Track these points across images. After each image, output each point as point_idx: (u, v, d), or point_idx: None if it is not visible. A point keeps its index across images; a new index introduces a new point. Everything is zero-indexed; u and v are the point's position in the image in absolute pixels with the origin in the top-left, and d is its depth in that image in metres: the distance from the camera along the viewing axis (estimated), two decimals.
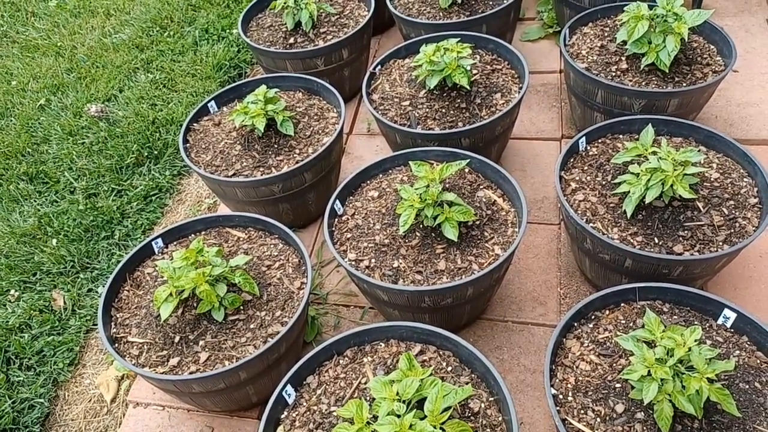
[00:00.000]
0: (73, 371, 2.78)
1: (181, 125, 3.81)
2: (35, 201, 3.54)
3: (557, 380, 1.90)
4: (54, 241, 3.26)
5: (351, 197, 2.61)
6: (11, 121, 4.14)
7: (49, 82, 4.43)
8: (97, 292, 3.04)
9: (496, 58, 3.14)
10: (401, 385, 1.75)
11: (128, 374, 2.69)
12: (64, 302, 2.98)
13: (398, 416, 1.68)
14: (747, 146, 2.85)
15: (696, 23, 2.71)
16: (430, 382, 1.76)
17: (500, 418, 1.83)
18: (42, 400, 2.64)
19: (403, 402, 1.72)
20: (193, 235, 2.62)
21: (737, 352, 1.88)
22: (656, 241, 2.21)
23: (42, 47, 4.88)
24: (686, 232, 2.21)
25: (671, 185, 2.16)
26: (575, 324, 2.04)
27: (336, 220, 2.52)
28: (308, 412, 1.93)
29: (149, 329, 2.26)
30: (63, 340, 2.83)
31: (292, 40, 3.58)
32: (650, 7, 2.83)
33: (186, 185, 3.62)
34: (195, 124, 3.11)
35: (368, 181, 2.66)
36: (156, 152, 3.72)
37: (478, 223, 2.37)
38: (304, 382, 2.02)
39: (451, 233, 2.22)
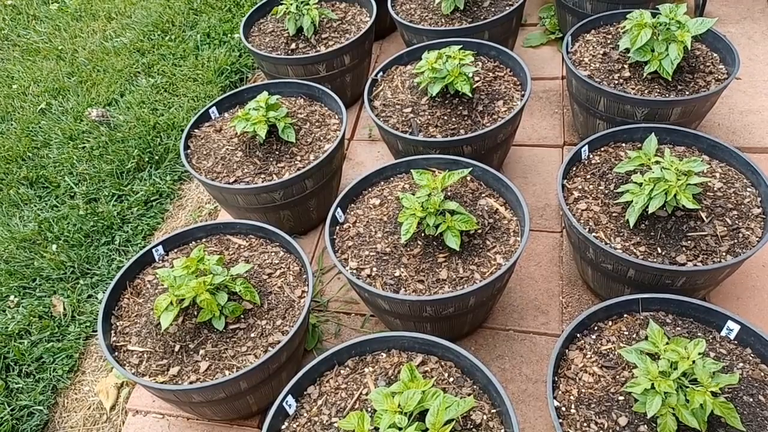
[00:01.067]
0: (73, 378, 2.77)
1: (182, 130, 3.81)
2: (35, 206, 3.53)
3: (560, 392, 1.89)
4: (54, 246, 3.25)
5: (352, 205, 2.60)
6: (12, 125, 4.13)
7: (50, 86, 4.42)
8: (97, 298, 3.03)
9: (498, 65, 3.13)
10: (403, 397, 1.73)
11: (128, 382, 2.68)
12: (64, 308, 2.97)
13: (400, 429, 1.67)
14: (750, 154, 2.85)
15: (699, 31, 2.70)
16: (432, 394, 1.75)
17: (503, 431, 1.82)
18: (41, 408, 2.63)
19: (405, 414, 1.71)
20: (193, 243, 2.61)
21: (741, 364, 1.87)
22: (659, 251, 2.20)
23: (43, 51, 4.87)
24: (689, 242, 2.20)
25: (674, 195, 2.14)
26: (578, 335, 2.02)
27: (337, 228, 2.51)
28: (309, 423, 1.92)
29: (149, 338, 2.25)
30: (62, 347, 2.82)
31: (293, 46, 3.57)
32: (653, 15, 2.83)
33: (187, 190, 3.61)
34: (196, 130, 3.10)
35: (369, 189, 2.65)
36: (157, 157, 3.71)
37: (480, 231, 2.36)
38: (305, 393, 2.01)
39: (453, 242, 2.21)
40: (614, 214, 2.34)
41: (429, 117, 2.87)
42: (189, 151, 3.00)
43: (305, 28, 3.50)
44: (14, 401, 2.64)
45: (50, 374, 2.74)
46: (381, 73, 3.19)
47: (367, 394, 1.95)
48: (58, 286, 3.08)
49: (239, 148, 2.92)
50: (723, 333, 1.96)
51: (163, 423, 2.49)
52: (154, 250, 2.53)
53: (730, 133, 3.14)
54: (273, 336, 2.20)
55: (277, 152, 2.88)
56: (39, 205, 3.54)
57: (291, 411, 1.95)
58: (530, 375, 2.40)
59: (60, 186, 3.63)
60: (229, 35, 4.66)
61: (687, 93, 2.77)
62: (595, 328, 2.04)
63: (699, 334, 1.96)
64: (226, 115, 3.18)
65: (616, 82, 2.88)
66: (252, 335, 2.21)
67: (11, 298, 3.04)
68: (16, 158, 3.84)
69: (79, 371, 2.80)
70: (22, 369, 2.76)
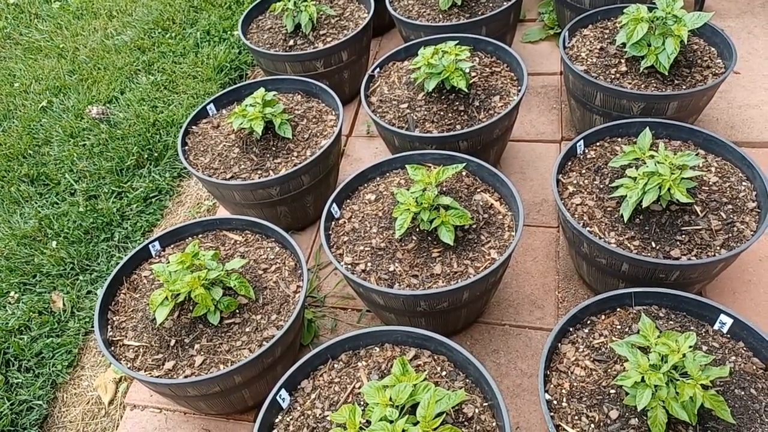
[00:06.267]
0: (72, 373, 2.79)
1: (181, 127, 3.82)
2: (36, 203, 3.56)
3: (552, 386, 1.89)
4: (54, 243, 3.27)
5: (348, 200, 2.61)
6: (13, 122, 4.16)
7: (51, 84, 4.44)
8: (96, 294, 3.05)
9: (495, 61, 3.13)
10: (394, 390, 1.74)
11: (126, 376, 2.69)
12: (64, 304, 2.99)
13: (391, 422, 1.68)
14: (748, 149, 2.84)
15: (696, 26, 2.69)
16: (423, 387, 1.75)
17: (494, 424, 1.82)
18: (40, 402, 2.65)
19: (396, 407, 1.72)
20: (190, 238, 2.62)
21: (733, 358, 1.87)
22: (653, 245, 2.20)
23: (44, 49, 4.90)
24: (684, 236, 2.20)
25: (668, 189, 2.14)
26: (570, 329, 2.03)
27: (333, 223, 2.52)
28: (302, 417, 1.93)
29: (145, 332, 2.26)
30: (62, 342, 2.84)
31: (291, 43, 3.58)
32: (650, 9, 2.82)
33: (186, 187, 3.62)
34: (194, 127, 3.11)
35: (365, 185, 2.66)
36: (156, 154, 3.73)
37: (474, 226, 2.37)
38: (299, 387, 2.02)
39: (447, 237, 2.22)
40: (609, 209, 2.34)
41: (425, 113, 2.88)
42: (187, 147, 3.01)
43: (303, 24, 3.50)
44: (14, 396, 2.66)
45: (49, 369, 2.76)
46: (378, 69, 3.20)
47: (360, 387, 1.96)
48: (57, 282, 3.10)
49: (236, 145, 2.93)
50: (716, 327, 1.95)
51: (161, 417, 2.51)
52: (150, 246, 2.54)
53: (729, 127, 3.13)
54: (268, 330, 2.21)
55: (273, 148, 2.89)
56: (39, 202, 3.57)
57: (284, 405, 1.96)
58: (525, 369, 2.41)
59: (60, 183, 3.65)
60: (229, 32, 4.67)
61: (684, 87, 2.76)
62: (588, 322, 2.04)
63: (692, 327, 1.96)
64: (223, 111, 3.19)
65: (613, 76, 2.87)
66: (247, 330, 2.22)
67: (11, 294, 3.06)
68: (18, 156, 3.86)
69: (78, 366, 2.82)
70: (21, 364, 2.78)
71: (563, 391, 1.87)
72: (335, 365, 2.06)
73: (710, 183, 2.35)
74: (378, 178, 2.67)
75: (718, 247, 2.16)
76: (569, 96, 3.12)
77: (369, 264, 2.32)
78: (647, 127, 2.40)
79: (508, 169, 3.18)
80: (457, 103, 2.88)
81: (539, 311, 2.57)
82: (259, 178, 2.78)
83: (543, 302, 2.60)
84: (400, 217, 2.28)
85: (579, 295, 2.60)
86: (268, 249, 2.52)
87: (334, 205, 2.52)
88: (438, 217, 2.25)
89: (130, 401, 2.58)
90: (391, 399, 1.73)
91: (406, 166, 2.47)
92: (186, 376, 2.11)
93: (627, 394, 1.75)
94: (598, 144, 2.61)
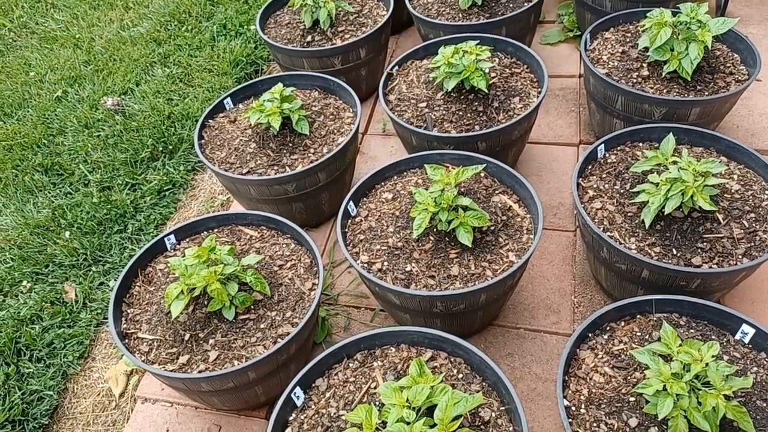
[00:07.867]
0: (83, 364, 2.79)
1: (196, 120, 3.82)
2: (49, 193, 3.56)
3: (570, 392, 1.87)
4: (67, 233, 3.26)
5: (365, 198, 2.59)
6: (28, 111, 4.16)
7: (67, 74, 4.45)
8: (108, 285, 3.05)
9: (515, 62, 3.10)
10: (411, 392, 1.73)
11: (137, 369, 2.69)
12: (76, 295, 2.99)
13: (408, 423, 1.66)
14: None
15: (720, 31, 2.66)
16: (441, 390, 1.74)
17: (511, 428, 1.81)
18: (51, 393, 2.65)
19: (413, 409, 1.70)
20: (205, 233, 2.61)
21: (755, 368, 1.84)
22: (674, 252, 2.18)
23: (60, 39, 4.90)
24: (705, 244, 2.17)
25: (691, 196, 2.12)
26: (590, 335, 2.00)
27: (349, 221, 2.50)
28: (317, 415, 1.91)
29: (160, 326, 2.25)
30: (73, 333, 2.84)
31: (309, 39, 3.56)
32: (674, 14, 2.79)
33: (200, 181, 3.61)
34: (210, 121, 3.10)
35: (382, 183, 2.64)
36: (171, 147, 3.72)
37: (492, 228, 2.35)
38: (313, 385, 2.01)
39: (465, 238, 2.20)
40: (629, 214, 2.32)
41: (444, 112, 2.86)
42: (203, 141, 3.00)
43: (321, 20, 3.49)
44: (25, 386, 2.66)
45: (61, 360, 2.76)
46: (396, 68, 3.18)
47: (375, 387, 1.94)
48: (70, 273, 3.10)
49: (253, 140, 2.92)
50: (737, 336, 1.93)
51: (172, 411, 2.50)
52: (166, 239, 2.53)
53: (749, 135, 3.10)
54: (282, 327, 2.20)
55: (290, 144, 2.88)
56: (53, 192, 3.57)
57: (299, 403, 1.95)
58: (540, 374, 2.39)
59: (74, 173, 3.65)
60: (246, 27, 4.66)
61: (706, 93, 2.73)
62: (608, 328, 2.02)
63: (713, 336, 1.94)
64: (240, 106, 3.18)
65: (635, 80, 2.84)
66: (261, 326, 2.21)
67: (24, 283, 3.06)
68: (32, 145, 3.86)
69: (89, 358, 2.81)
70: (33, 354, 2.78)
71: (581, 397, 1.85)
72: (350, 364, 2.04)
73: (732, 191, 2.32)
74: (395, 177, 2.65)
75: (740, 256, 2.13)
76: (589, 99, 3.10)
77: (385, 263, 2.31)
78: (670, 133, 2.37)
79: (524, 171, 3.16)
80: (476, 104, 2.85)
81: (555, 315, 2.55)
82: (276, 173, 2.77)
83: (559, 306, 2.58)
84: (419, 217, 2.26)
85: (595, 300, 2.58)
86: (284, 245, 2.50)
87: (351, 203, 2.50)
88: (456, 217, 2.23)
89: (141, 394, 2.57)
90: (408, 400, 1.71)
91: (425, 165, 2.45)
92: (200, 371, 2.10)
93: (647, 402, 1.72)
94: (618, 148, 2.59)
